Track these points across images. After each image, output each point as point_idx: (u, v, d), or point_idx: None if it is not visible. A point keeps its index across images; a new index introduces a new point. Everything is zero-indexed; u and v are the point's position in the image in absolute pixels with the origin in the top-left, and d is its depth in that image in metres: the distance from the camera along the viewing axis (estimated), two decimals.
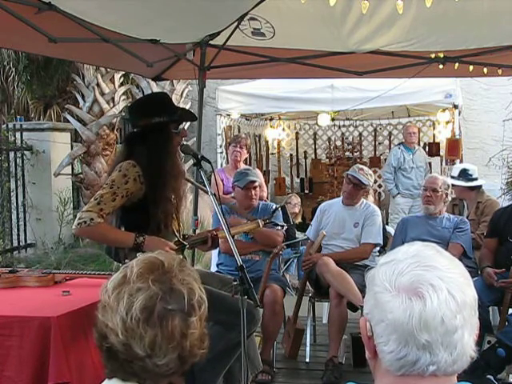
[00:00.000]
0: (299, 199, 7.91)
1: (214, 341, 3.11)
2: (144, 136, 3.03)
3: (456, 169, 5.53)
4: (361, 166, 4.75)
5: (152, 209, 2.96)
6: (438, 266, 1.09)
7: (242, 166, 5.81)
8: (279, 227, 3.46)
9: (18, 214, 8.16)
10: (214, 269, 4.77)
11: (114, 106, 8.84)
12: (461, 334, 1.06)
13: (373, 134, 9.72)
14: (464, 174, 5.30)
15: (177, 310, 1.28)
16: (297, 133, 10.09)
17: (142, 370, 1.28)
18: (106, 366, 1.34)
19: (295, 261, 6.87)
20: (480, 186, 5.33)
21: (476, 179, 5.31)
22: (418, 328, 1.04)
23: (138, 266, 1.33)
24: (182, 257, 3.11)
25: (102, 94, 8.77)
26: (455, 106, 7.31)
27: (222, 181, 5.74)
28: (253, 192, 4.39)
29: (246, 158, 6.67)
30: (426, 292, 1.05)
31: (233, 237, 3.23)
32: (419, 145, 8.70)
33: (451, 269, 1.10)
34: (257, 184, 4.44)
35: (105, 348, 1.30)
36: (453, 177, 5.33)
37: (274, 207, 3.55)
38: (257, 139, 9.67)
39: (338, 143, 9.75)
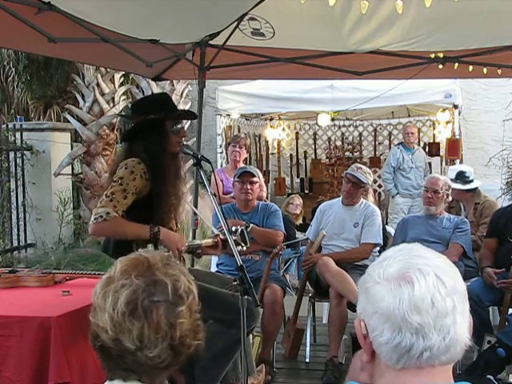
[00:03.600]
0: (301, 200, 7.90)
1: (214, 339, 3.15)
2: (140, 133, 3.04)
3: (452, 171, 5.48)
4: (359, 165, 4.76)
5: (156, 203, 2.98)
6: (425, 256, 1.13)
7: (242, 165, 5.81)
8: (239, 247, 3.39)
9: (17, 214, 8.16)
10: (214, 269, 4.77)
11: (114, 105, 8.83)
12: (453, 319, 1.08)
13: (373, 134, 9.73)
14: (461, 177, 5.29)
15: (161, 300, 1.30)
16: (297, 133, 10.09)
17: (135, 365, 1.30)
18: (104, 367, 1.35)
19: (295, 261, 6.87)
20: (476, 188, 5.32)
21: (472, 181, 5.30)
22: (409, 311, 1.06)
23: (121, 264, 1.36)
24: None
25: (102, 94, 8.77)
26: (455, 106, 7.31)
27: (222, 181, 5.74)
28: (248, 186, 4.38)
29: (246, 158, 6.67)
30: (413, 276, 1.09)
31: (209, 247, 3.25)
32: (419, 145, 8.71)
33: (437, 258, 1.14)
34: (255, 180, 4.43)
35: (97, 347, 1.32)
36: (450, 179, 5.30)
37: (235, 228, 3.46)
38: (257, 139, 9.68)
39: (338, 143, 9.75)
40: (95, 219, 2.78)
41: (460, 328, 1.09)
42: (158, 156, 3.00)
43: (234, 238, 3.34)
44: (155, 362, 1.29)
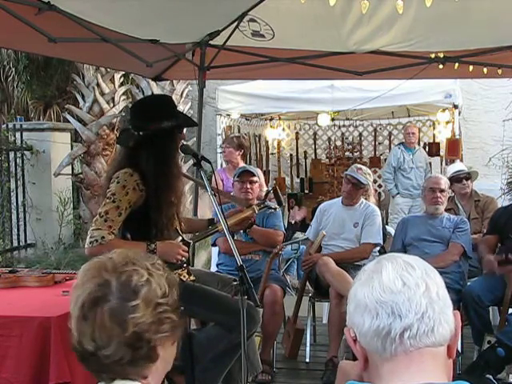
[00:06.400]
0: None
1: (215, 341, 3.16)
2: (152, 140, 2.98)
3: (453, 167, 5.55)
4: (359, 166, 4.76)
5: (154, 214, 2.96)
6: (403, 255, 1.18)
7: (242, 165, 5.81)
8: (272, 210, 3.55)
9: (18, 214, 8.16)
10: (214, 269, 4.77)
11: (114, 106, 8.83)
12: (428, 298, 1.10)
13: (373, 134, 9.72)
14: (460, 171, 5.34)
15: (106, 300, 1.31)
16: (297, 133, 10.08)
17: (100, 365, 1.32)
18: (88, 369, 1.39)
19: (295, 261, 6.87)
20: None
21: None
22: (381, 293, 1.10)
23: (82, 269, 1.39)
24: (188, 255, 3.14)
25: (102, 94, 8.77)
26: (455, 106, 7.31)
27: (222, 180, 5.74)
28: (248, 185, 4.38)
29: (246, 158, 6.68)
30: (382, 265, 1.14)
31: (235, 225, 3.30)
32: (419, 145, 8.70)
33: (416, 258, 1.18)
34: (254, 179, 4.43)
35: (73, 350, 1.36)
36: (463, 171, 5.30)
37: (267, 190, 3.64)
38: (257, 139, 9.67)
39: (338, 143, 9.74)
40: (90, 243, 2.80)
41: (439, 307, 1.10)
42: (169, 163, 3.00)
43: (263, 204, 3.43)
44: (114, 360, 1.30)
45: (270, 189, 3.51)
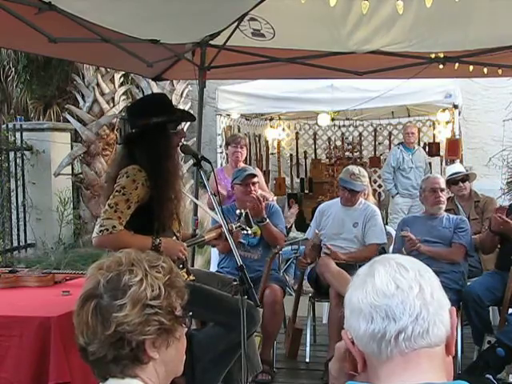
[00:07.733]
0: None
1: (215, 341, 3.16)
2: (143, 136, 3.02)
3: (451, 169, 5.52)
4: (351, 170, 4.59)
5: (157, 210, 2.97)
6: (396, 257, 1.17)
7: (242, 166, 5.81)
8: (245, 232, 3.47)
9: (18, 214, 8.17)
10: (214, 269, 4.77)
11: (114, 106, 8.84)
12: (422, 299, 1.09)
13: (373, 134, 9.73)
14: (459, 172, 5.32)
15: (95, 297, 1.32)
16: (297, 133, 10.09)
17: (88, 359, 1.34)
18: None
19: (295, 262, 6.86)
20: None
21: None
22: (375, 297, 1.10)
23: (89, 267, 1.40)
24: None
25: (102, 94, 8.78)
26: (455, 106, 7.31)
27: (220, 180, 5.73)
28: (252, 188, 4.39)
29: (246, 158, 6.68)
30: (375, 268, 1.14)
31: (214, 239, 3.27)
32: (419, 145, 8.70)
33: (405, 256, 1.18)
34: (256, 180, 4.44)
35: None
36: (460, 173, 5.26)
37: (239, 212, 3.54)
38: (257, 139, 9.67)
39: (338, 143, 9.75)
40: (101, 231, 2.77)
41: (433, 308, 1.10)
42: (162, 161, 2.99)
43: (238, 223, 3.38)
44: (98, 357, 1.31)
45: (244, 212, 3.48)
